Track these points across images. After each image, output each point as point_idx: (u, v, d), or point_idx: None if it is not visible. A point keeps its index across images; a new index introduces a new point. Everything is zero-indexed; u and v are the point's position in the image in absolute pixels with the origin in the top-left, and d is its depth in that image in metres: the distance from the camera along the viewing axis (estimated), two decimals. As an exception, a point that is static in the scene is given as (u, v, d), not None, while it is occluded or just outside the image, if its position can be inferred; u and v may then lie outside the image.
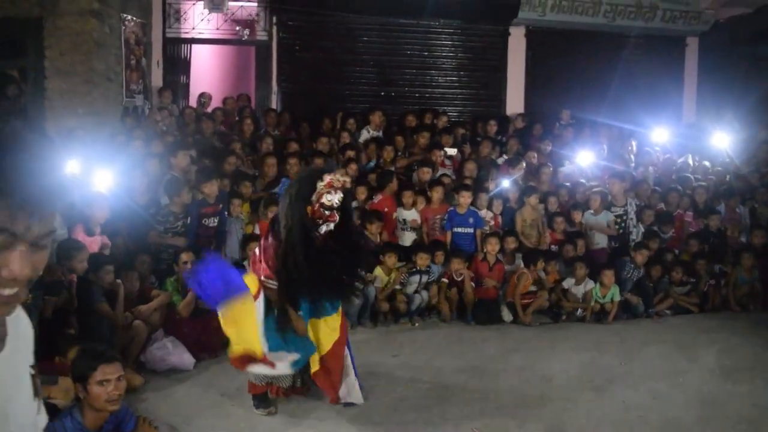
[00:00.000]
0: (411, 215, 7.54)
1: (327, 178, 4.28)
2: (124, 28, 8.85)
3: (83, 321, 5.08)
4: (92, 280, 5.22)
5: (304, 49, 10.72)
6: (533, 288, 7.14)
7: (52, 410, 3.18)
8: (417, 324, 6.87)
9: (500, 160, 9.15)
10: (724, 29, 11.55)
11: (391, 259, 6.83)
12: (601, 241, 7.85)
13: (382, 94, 10.93)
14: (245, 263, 6.49)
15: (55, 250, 5.01)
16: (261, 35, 10.49)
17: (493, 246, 7.14)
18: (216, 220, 6.70)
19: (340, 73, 10.85)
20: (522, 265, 7.23)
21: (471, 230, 7.48)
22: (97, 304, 5.11)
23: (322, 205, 4.26)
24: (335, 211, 4.28)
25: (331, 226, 4.29)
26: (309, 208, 4.26)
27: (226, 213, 6.86)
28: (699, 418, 4.65)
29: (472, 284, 7.02)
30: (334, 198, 4.25)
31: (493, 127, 9.96)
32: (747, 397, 5.05)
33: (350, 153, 8.35)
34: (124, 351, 5.09)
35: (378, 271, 6.78)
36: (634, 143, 9.88)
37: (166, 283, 5.94)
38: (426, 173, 8.16)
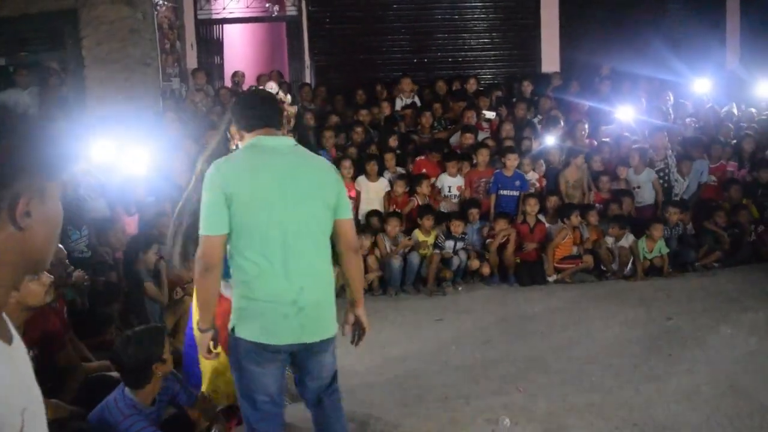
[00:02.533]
0: (456, 182, 7.53)
1: None
2: (156, 13, 8.97)
3: (131, 299, 5.27)
4: (139, 259, 5.39)
5: (335, 22, 10.71)
6: (575, 252, 7.10)
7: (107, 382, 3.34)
8: (460, 288, 6.92)
9: (536, 120, 9.05)
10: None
11: (428, 221, 6.89)
12: (647, 197, 7.73)
13: (415, 61, 10.85)
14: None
15: (94, 232, 5.20)
16: (291, 11, 10.50)
17: (532, 206, 7.11)
18: None
19: (371, 43, 10.81)
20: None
21: (516, 193, 7.45)
22: (144, 284, 5.28)
23: None
24: None
25: None
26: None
27: None
28: (746, 371, 4.60)
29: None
30: None
31: (528, 87, 9.84)
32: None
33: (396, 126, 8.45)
34: (175, 326, 5.28)
35: (417, 232, 6.86)
36: (671, 95, 9.62)
37: None
38: (469, 138, 8.15)
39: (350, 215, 2.93)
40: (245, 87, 9.60)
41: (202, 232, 2.66)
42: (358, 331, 3.02)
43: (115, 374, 3.26)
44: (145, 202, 6.20)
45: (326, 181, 2.81)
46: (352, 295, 2.97)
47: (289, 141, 2.87)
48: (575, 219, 7.03)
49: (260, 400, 2.74)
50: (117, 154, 6.44)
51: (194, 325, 2.97)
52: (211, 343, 2.79)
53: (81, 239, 5.10)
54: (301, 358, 2.82)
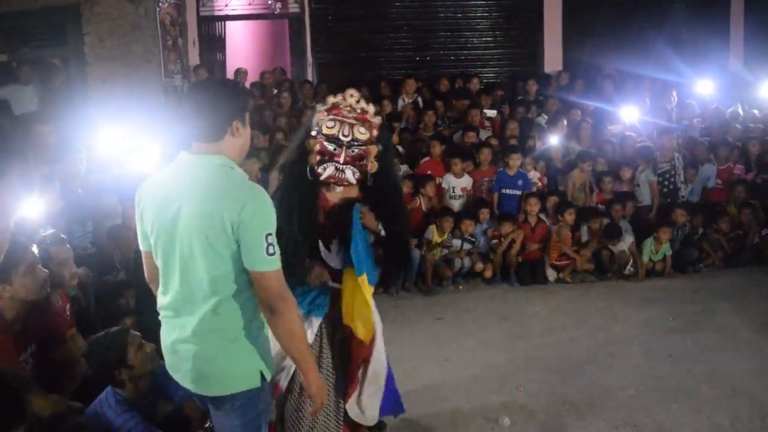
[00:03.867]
0: (461, 182, 7.51)
1: (330, 100, 3.21)
2: (158, 9, 8.97)
3: (140, 296, 5.26)
4: None
5: (337, 19, 10.69)
6: (572, 248, 7.10)
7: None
8: (461, 287, 6.92)
9: (540, 120, 9.04)
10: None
11: (447, 223, 6.86)
12: (645, 197, 7.71)
13: (418, 59, 10.84)
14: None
15: (107, 233, 5.19)
16: (293, 7, 10.49)
17: (533, 206, 7.11)
18: None
19: (374, 41, 10.80)
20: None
21: (519, 192, 7.42)
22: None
23: (324, 135, 3.13)
24: (345, 149, 3.12)
25: (342, 170, 3.12)
26: (311, 141, 3.17)
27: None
28: (746, 371, 4.60)
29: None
30: (343, 129, 3.12)
31: (532, 86, 9.84)
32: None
33: (395, 125, 8.45)
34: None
35: (432, 229, 6.85)
36: (675, 95, 9.60)
37: None
38: (472, 137, 8.14)
39: None
40: (247, 84, 9.62)
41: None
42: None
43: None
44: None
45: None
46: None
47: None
48: (569, 217, 7.02)
49: None
50: (126, 150, 6.42)
51: None
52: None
53: (85, 235, 5.08)
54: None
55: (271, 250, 2.27)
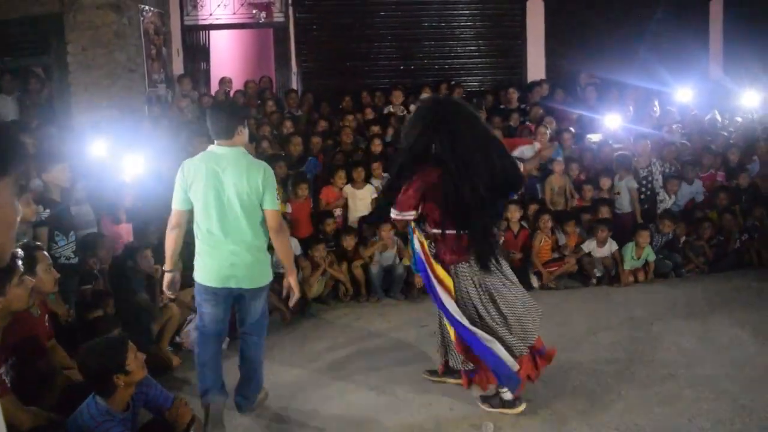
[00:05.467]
0: None
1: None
2: (142, 18, 8.96)
3: (121, 305, 5.23)
4: (130, 266, 5.36)
5: (322, 29, 10.74)
6: (556, 255, 7.14)
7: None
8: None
9: (543, 128, 9.04)
10: (749, -19, 11.23)
11: None
12: (626, 205, 7.76)
13: (402, 68, 10.91)
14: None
15: (79, 243, 5.17)
16: (278, 17, 10.52)
17: (513, 213, 7.15)
18: None
19: (358, 50, 10.85)
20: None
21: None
22: (136, 295, 5.25)
23: None
24: None
25: None
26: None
27: None
28: (727, 375, 4.64)
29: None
30: None
31: (513, 95, 9.91)
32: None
33: (375, 128, 8.48)
34: (160, 332, 5.26)
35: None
36: (656, 103, 9.71)
37: None
38: None
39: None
40: (232, 93, 9.61)
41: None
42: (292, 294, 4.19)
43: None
44: (136, 209, 6.16)
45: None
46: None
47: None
48: (544, 223, 7.07)
49: None
50: (105, 160, 6.40)
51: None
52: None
53: (68, 245, 5.05)
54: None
55: (276, 198, 3.98)
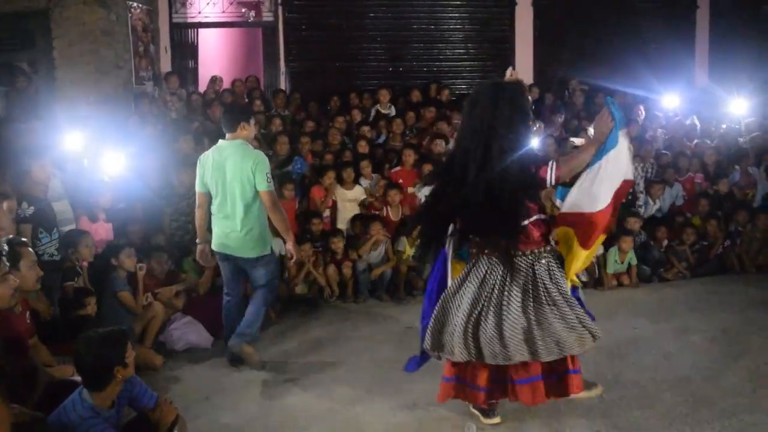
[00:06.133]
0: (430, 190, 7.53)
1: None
2: (130, 15, 8.92)
3: (104, 303, 5.22)
4: (114, 265, 5.34)
5: (311, 29, 10.73)
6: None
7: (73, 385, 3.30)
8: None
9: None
10: (735, -10, 11.36)
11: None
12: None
13: (390, 69, 10.93)
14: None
15: (61, 240, 5.15)
16: (267, 16, 10.51)
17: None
18: None
19: (347, 51, 10.85)
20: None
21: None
22: (119, 293, 5.24)
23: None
24: None
25: None
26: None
27: None
28: (706, 378, 4.70)
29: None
30: None
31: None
32: (758, 355, 5.09)
33: (365, 129, 8.51)
34: (143, 331, 5.25)
35: (404, 239, 6.91)
36: (642, 108, 9.78)
37: (183, 263, 6.07)
38: (438, 145, 8.21)
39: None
40: (221, 92, 9.59)
41: None
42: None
43: (77, 379, 3.23)
44: (116, 209, 6.13)
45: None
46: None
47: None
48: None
49: None
50: (86, 156, 6.36)
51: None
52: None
53: (52, 242, 5.03)
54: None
55: (268, 180, 4.81)
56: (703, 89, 10.94)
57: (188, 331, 5.45)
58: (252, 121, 5.05)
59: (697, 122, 9.65)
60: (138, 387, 3.29)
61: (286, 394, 4.62)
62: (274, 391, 4.65)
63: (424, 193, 7.47)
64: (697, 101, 10.15)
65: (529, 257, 3.69)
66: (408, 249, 6.94)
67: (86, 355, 3.02)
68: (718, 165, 8.55)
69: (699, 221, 7.84)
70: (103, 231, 5.86)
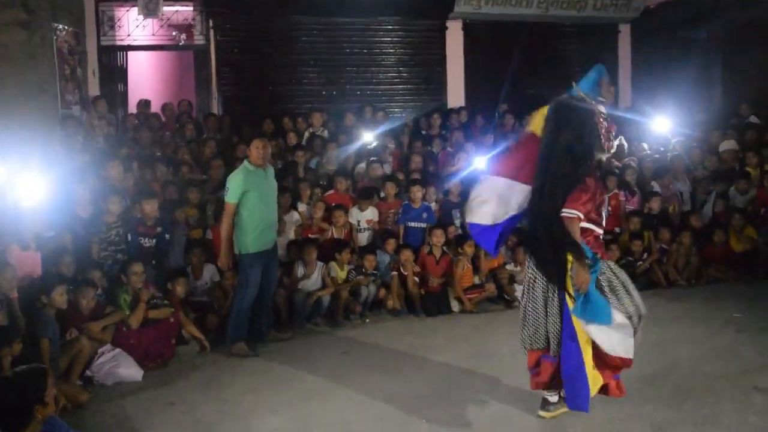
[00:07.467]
0: (367, 215, 7.56)
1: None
2: (56, 38, 8.67)
3: (30, 339, 4.97)
4: (44, 302, 5.11)
5: (243, 52, 10.66)
6: (477, 281, 7.29)
7: None
8: (368, 320, 6.94)
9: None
10: (654, 16, 11.90)
11: (346, 256, 6.91)
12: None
13: (324, 93, 10.97)
14: (188, 269, 6.51)
15: None
16: (198, 39, 10.40)
17: (438, 238, 7.25)
18: (153, 242, 6.55)
19: (280, 75, 10.83)
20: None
21: (424, 225, 7.56)
22: (40, 339, 4.94)
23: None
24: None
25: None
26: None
27: (167, 236, 6.66)
28: (637, 390, 4.81)
29: (416, 279, 7.15)
30: None
31: (436, 121, 10.12)
32: (686, 369, 5.28)
33: (299, 153, 8.51)
34: (68, 367, 5.04)
35: (334, 265, 6.88)
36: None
37: (120, 297, 5.78)
38: (377, 169, 8.26)
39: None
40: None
41: None
42: None
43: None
44: (44, 237, 5.86)
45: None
46: None
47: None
48: (469, 248, 7.22)
49: None
50: (9, 182, 6.08)
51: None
52: None
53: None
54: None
55: (228, 195, 5.83)
56: (627, 110, 11.37)
57: (118, 366, 5.26)
58: (251, 146, 5.96)
59: (624, 142, 9.99)
60: (58, 428, 3.15)
61: (227, 425, 4.51)
62: (216, 418, 4.53)
63: (363, 216, 7.50)
64: (621, 122, 10.52)
65: None
66: (340, 273, 6.92)
67: (2, 396, 2.88)
68: (637, 180, 8.84)
69: (626, 239, 8.08)
70: (30, 261, 5.56)
